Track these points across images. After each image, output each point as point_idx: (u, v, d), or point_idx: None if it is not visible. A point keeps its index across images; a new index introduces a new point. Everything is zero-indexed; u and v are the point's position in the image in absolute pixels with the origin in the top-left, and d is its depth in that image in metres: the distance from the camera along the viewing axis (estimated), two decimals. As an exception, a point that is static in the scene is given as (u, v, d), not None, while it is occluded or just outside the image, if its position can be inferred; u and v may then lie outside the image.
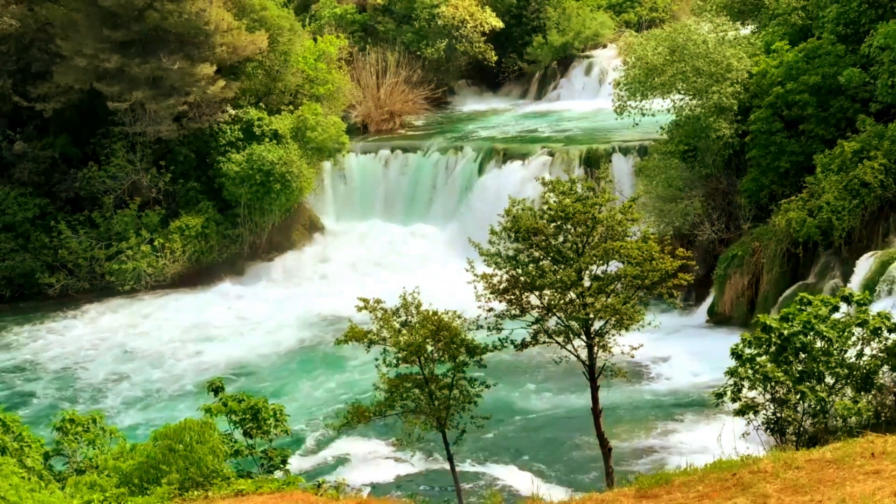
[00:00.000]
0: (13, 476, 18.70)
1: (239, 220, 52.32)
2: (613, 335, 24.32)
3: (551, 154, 52.00)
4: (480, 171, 53.94)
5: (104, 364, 43.01)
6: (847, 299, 22.53)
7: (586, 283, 24.14)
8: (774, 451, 18.69)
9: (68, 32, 49.86)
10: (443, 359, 24.09)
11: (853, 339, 21.57)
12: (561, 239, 24.29)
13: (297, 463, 29.76)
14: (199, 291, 50.74)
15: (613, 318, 23.92)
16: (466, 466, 30.88)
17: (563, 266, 24.07)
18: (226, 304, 49.26)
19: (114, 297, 49.79)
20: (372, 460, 32.62)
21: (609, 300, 23.96)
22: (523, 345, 24.54)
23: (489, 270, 24.78)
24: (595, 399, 24.77)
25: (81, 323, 47.88)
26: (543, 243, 24.16)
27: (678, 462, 24.19)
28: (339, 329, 36.26)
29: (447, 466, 25.39)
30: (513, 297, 24.40)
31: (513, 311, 24.50)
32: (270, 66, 53.73)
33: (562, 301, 24.01)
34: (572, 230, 24.21)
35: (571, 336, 24.34)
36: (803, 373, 21.34)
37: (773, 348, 21.69)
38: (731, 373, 22.01)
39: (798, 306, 22.14)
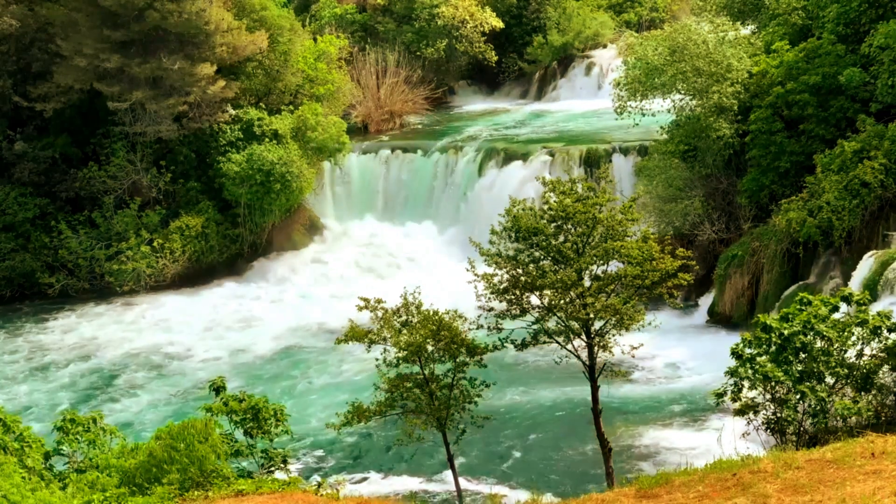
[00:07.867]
0: (15, 475, 18.71)
1: (239, 220, 52.31)
2: (614, 335, 24.37)
3: (551, 154, 51.98)
4: (480, 171, 53.92)
5: (103, 364, 42.99)
6: (847, 299, 22.56)
7: (586, 283, 24.18)
8: (774, 451, 18.70)
9: (68, 32, 49.86)
10: (443, 359, 24.13)
11: (853, 339, 21.59)
12: (561, 239, 24.34)
13: (295, 462, 29.76)
14: (199, 291, 50.71)
15: (614, 318, 23.99)
16: (466, 466, 30.86)
17: (563, 266, 24.12)
18: (225, 304, 49.22)
19: (114, 298, 49.78)
20: (371, 460, 32.62)
21: (609, 300, 23.99)
22: (523, 345, 24.59)
23: (490, 270, 24.81)
24: (595, 399, 24.83)
25: (81, 323, 47.85)
26: (544, 243, 24.20)
27: (678, 462, 24.18)
28: (338, 329, 36.27)
29: (447, 466, 25.41)
30: (513, 297, 24.46)
31: (513, 311, 24.55)
32: (270, 66, 53.70)
33: (562, 301, 24.04)
34: (572, 230, 24.27)
35: (571, 336, 24.38)
36: (803, 373, 21.35)
37: (773, 348, 21.71)
38: (732, 373, 22.03)
39: (798, 306, 22.16)
